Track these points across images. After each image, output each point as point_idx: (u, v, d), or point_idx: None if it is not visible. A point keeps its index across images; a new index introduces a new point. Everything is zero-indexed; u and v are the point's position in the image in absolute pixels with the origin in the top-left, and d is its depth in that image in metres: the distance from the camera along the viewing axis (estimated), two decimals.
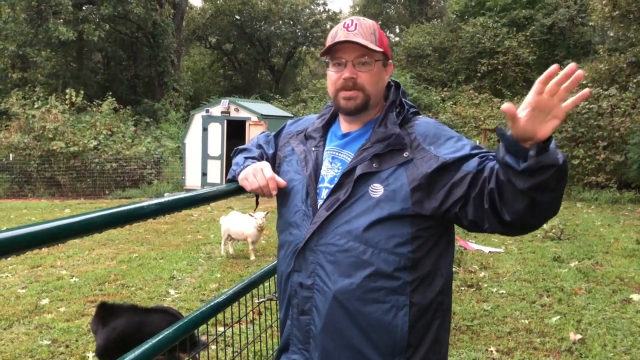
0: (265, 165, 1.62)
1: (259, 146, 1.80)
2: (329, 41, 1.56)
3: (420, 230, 1.47)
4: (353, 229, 1.45)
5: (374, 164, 1.50)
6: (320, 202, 1.55)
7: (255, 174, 1.60)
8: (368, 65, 1.54)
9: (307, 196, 1.57)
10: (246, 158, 1.71)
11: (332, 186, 1.54)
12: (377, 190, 1.47)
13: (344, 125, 1.65)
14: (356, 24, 1.55)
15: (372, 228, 1.45)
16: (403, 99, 1.62)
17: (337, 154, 1.61)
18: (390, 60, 1.62)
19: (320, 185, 1.58)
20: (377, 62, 1.56)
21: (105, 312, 3.40)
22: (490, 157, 1.43)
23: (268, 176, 1.59)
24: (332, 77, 1.58)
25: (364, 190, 1.49)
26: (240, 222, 7.06)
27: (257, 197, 1.71)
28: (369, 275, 1.45)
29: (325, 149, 1.64)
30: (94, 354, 3.58)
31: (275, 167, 1.72)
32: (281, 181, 1.60)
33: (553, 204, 1.34)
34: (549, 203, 1.32)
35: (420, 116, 1.63)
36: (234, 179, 1.70)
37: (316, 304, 1.51)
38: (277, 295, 1.76)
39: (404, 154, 1.50)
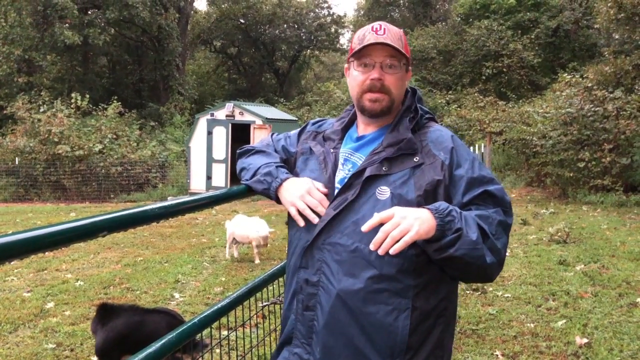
0: (318, 185, 1.59)
1: (276, 150, 1.78)
2: (357, 44, 1.56)
3: None
4: (359, 230, 1.45)
5: (383, 167, 1.52)
6: None
7: (311, 193, 1.56)
8: (395, 68, 1.56)
9: None
10: (278, 167, 1.67)
11: (341, 187, 1.56)
12: (384, 192, 1.49)
13: (360, 127, 1.67)
14: (385, 29, 1.56)
15: (377, 230, 1.46)
16: (418, 105, 1.63)
17: (349, 156, 1.63)
18: (410, 67, 1.65)
19: None
20: (403, 66, 1.59)
21: (105, 313, 3.41)
22: (479, 205, 1.50)
23: (319, 197, 1.56)
24: (358, 78, 1.57)
25: (371, 192, 1.50)
26: (245, 225, 7.06)
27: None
28: (373, 276, 1.46)
29: (340, 151, 1.66)
30: None
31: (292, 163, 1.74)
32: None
33: (468, 274, 1.49)
34: (461, 272, 1.48)
35: (436, 124, 1.65)
36: (267, 191, 1.64)
37: (320, 301, 1.53)
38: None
39: (414, 159, 1.52)
